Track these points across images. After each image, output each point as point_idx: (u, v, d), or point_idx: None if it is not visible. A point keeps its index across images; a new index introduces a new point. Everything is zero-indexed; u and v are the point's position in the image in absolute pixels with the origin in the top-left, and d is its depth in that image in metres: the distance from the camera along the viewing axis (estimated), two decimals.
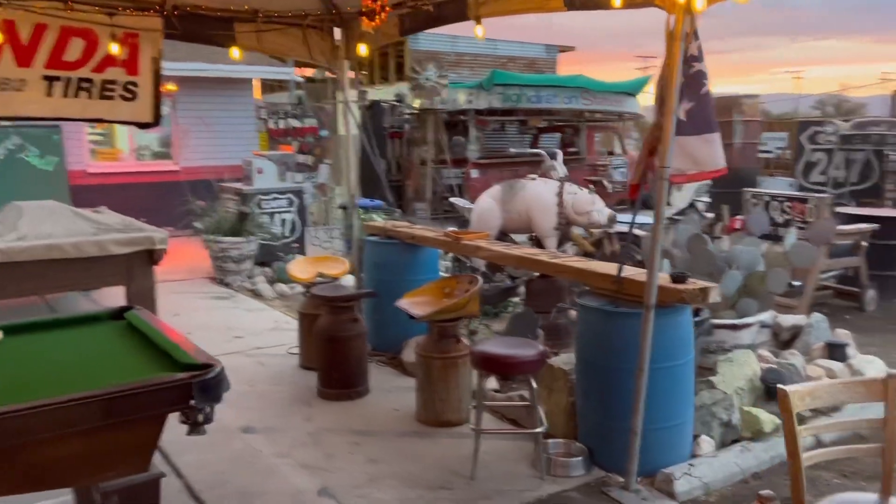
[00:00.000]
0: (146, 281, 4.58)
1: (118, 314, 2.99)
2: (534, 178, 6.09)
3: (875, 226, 6.78)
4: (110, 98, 5.04)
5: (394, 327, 5.29)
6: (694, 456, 3.71)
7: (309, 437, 4.18)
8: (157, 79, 5.15)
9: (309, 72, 18.66)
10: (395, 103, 14.55)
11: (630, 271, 3.62)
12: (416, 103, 13.28)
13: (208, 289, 8.16)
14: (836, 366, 4.79)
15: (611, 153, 14.75)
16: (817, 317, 5.30)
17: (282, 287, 8.02)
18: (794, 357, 4.77)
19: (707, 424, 3.87)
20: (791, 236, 6.18)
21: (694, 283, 3.51)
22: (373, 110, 13.70)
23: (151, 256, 4.59)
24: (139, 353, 2.55)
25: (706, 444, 3.78)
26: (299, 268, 5.63)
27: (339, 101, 14.90)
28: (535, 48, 17.32)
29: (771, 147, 15.63)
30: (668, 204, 16.44)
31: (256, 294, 7.90)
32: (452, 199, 6.67)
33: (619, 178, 14.10)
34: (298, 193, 9.34)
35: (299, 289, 7.85)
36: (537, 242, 6.09)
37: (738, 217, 7.67)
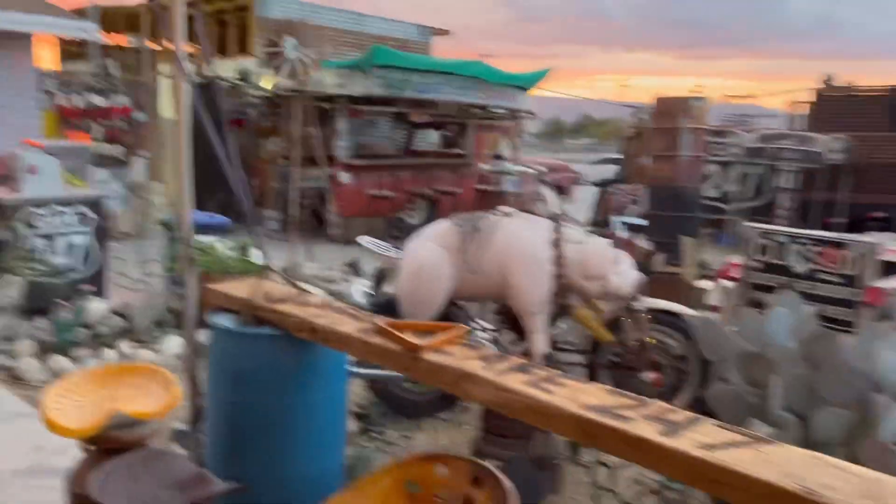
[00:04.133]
0: None
1: None
2: (506, 213, 3.62)
3: None
4: None
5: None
6: None
7: None
8: None
9: (121, 39, 14.97)
10: (236, 83, 11.48)
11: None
12: (269, 84, 10.36)
13: None
14: None
15: (498, 157, 12.61)
16: None
17: (62, 363, 4.99)
18: None
19: None
20: None
21: None
22: (208, 91, 10.55)
23: None
24: None
25: None
26: (75, 398, 2.73)
27: (164, 73, 11.56)
28: (406, 28, 14.84)
29: None
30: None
31: (15, 377, 4.82)
32: (364, 242, 4.05)
33: (511, 189, 11.98)
34: (96, 205, 6.23)
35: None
36: (510, 321, 3.66)
37: (734, 261, 5.65)
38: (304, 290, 3.29)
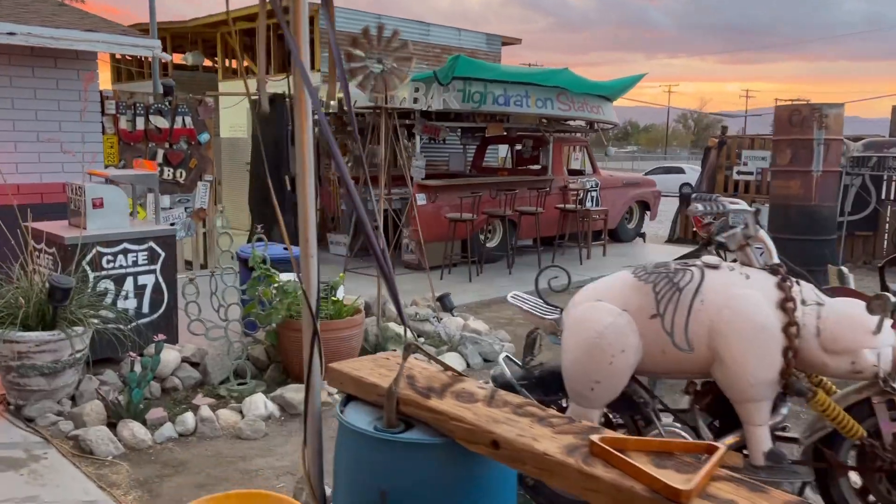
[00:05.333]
0: None
1: None
2: (714, 263, 2.79)
3: None
4: None
5: None
6: None
7: None
8: None
9: (176, 57, 14.56)
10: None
11: None
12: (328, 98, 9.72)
13: None
14: None
15: (576, 172, 11.76)
16: None
17: (136, 430, 4.30)
18: None
19: None
20: None
21: None
22: (272, 108, 9.98)
23: None
24: None
25: None
26: None
27: (231, 92, 11.01)
28: (475, 37, 14.10)
29: (752, 167, 13.24)
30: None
31: (83, 449, 4.14)
32: (512, 299, 3.24)
33: (592, 206, 11.12)
34: (167, 241, 5.58)
35: (168, 436, 4.22)
36: (710, 403, 2.81)
37: None
38: (458, 374, 2.51)
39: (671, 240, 14.00)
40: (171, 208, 8.89)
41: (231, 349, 5.30)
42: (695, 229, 13.92)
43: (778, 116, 7.11)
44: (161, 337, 4.94)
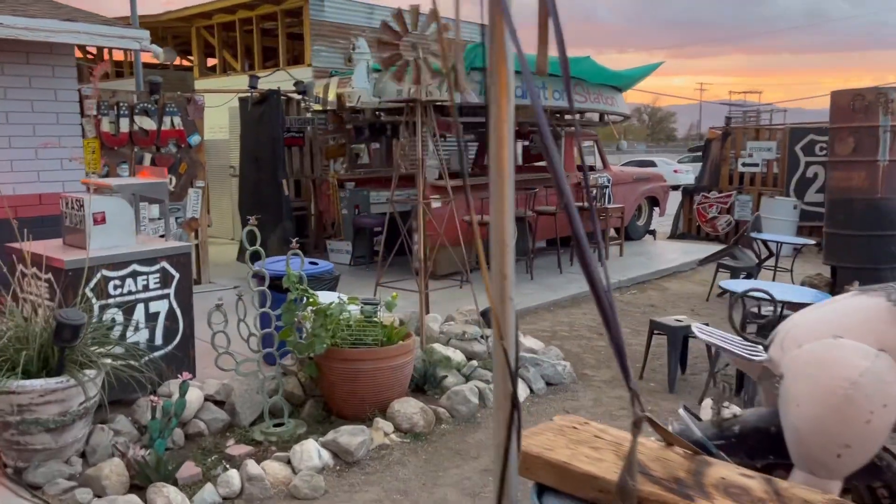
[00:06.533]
0: None
1: None
2: None
3: None
4: None
5: None
6: None
7: None
8: None
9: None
10: (296, 97, 10.06)
11: None
12: (333, 95, 8.95)
13: None
14: None
15: (587, 168, 11.13)
16: None
17: (174, 498, 3.50)
18: None
19: None
20: None
21: None
22: (265, 105, 9.16)
23: None
24: None
25: None
26: None
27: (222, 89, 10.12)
28: (473, 28, 13.29)
29: (757, 159, 12.80)
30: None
31: None
32: (700, 332, 2.52)
33: (607, 204, 10.52)
34: (181, 261, 4.77)
35: (212, 502, 3.47)
36: None
37: None
38: (694, 450, 1.82)
39: (674, 235, 13.49)
40: (159, 218, 8.01)
41: (262, 384, 4.53)
42: (699, 223, 13.47)
43: (836, 102, 6.57)
44: (187, 376, 4.16)
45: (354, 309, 4.70)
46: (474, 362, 5.28)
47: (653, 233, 12.52)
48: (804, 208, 12.10)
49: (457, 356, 5.34)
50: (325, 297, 4.74)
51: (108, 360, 3.97)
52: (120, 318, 4.45)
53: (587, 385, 5.32)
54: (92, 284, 4.29)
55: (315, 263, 5.56)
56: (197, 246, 8.51)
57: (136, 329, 4.56)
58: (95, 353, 3.90)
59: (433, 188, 8.42)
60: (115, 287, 4.42)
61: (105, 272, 4.35)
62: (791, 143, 12.33)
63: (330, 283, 5.52)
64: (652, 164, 30.50)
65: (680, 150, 52.02)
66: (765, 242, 8.82)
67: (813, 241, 8.68)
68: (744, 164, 12.93)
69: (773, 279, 8.48)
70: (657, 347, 6.25)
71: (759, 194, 12.67)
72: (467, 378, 5.15)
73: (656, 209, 12.34)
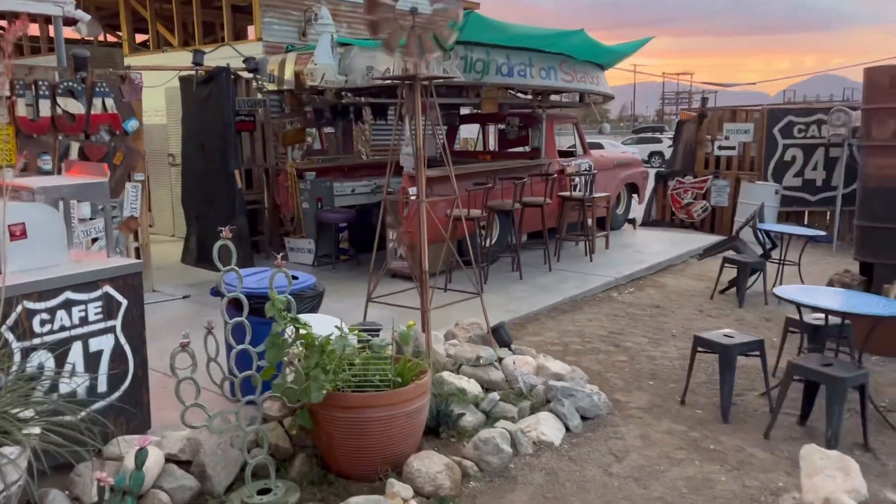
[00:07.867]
0: None
1: None
2: None
3: None
4: None
5: None
6: None
7: None
8: None
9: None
10: (246, 75, 8.91)
11: None
12: (291, 73, 7.87)
13: None
14: None
15: (564, 153, 10.31)
16: None
17: None
18: None
19: None
20: None
21: None
22: (213, 85, 8.00)
23: None
24: None
25: None
26: None
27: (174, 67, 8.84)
28: None
29: (734, 141, 12.23)
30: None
31: None
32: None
33: (589, 192, 9.73)
34: (129, 283, 3.71)
35: None
36: None
37: None
38: None
39: (646, 223, 12.84)
40: (91, 219, 6.82)
41: (243, 437, 3.53)
42: (674, 210, 12.86)
43: (871, 80, 5.89)
44: (145, 441, 3.14)
45: (353, 338, 3.74)
46: (494, 395, 4.38)
47: (633, 221, 11.84)
48: (784, 193, 11.63)
49: (472, 387, 4.44)
50: (316, 324, 3.75)
51: (35, 430, 2.91)
52: (50, 363, 3.38)
53: (626, 416, 4.49)
54: (10, 322, 3.20)
55: (295, 277, 4.54)
56: (137, 249, 7.33)
57: (72, 375, 3.49)
58: (16, 421, 2.85)
59: (410, 178, 7.46)
60: (43, 323, 3.34)
61: (28, 304, 3.27)
62: (769, 125, 11.81)
63: (313, 300, 4.53)
64: (599, 146, 30.11)
65: (619, 132, 52.10)
66: (767, 233, 8.20)
67: (824, 233, 8.09)
68: (720, 148, 12.36)
69: (780, 274, 7.86)
70: (680, 360, 5.50)
71: (738, 179, 12.13)
72: (487, 415, 4.25)
73: (635, 196, 11.63)
